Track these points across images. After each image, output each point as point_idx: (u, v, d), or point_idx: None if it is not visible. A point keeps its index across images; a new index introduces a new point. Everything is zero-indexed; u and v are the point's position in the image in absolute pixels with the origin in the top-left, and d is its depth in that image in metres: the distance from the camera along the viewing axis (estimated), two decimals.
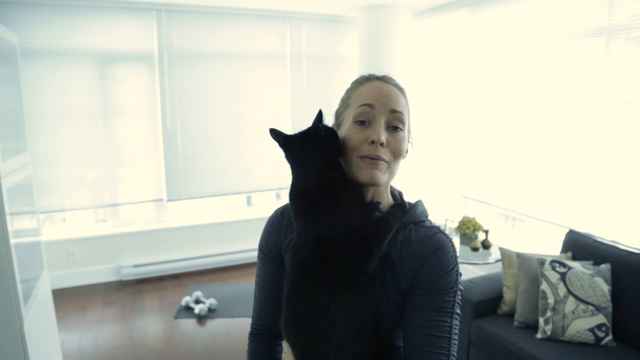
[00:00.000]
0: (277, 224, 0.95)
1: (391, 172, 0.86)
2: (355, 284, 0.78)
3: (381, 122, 0.83)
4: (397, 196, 0.96)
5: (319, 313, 0.76)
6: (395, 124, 0.85)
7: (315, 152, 0.82)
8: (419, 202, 0.93)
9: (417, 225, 0.88)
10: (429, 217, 0.92)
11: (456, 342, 0.83)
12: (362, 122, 0.84)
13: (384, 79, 0.89)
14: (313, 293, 0.78)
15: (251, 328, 1.02)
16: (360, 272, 0.78)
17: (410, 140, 0.93)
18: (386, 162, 0.84)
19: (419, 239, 0.84)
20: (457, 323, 0.83)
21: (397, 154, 0.85)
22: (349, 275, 0.78)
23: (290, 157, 0.86)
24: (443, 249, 0.83)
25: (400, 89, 0.90)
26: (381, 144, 0.82)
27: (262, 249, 0.98)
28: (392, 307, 0.85)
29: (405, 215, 0.88)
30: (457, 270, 0.83)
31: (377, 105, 0.84)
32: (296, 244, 0.84)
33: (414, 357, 0.81)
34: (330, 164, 0.83)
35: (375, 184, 0.84)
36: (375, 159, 0.82)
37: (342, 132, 0.88)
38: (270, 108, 4.36)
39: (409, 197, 0.98)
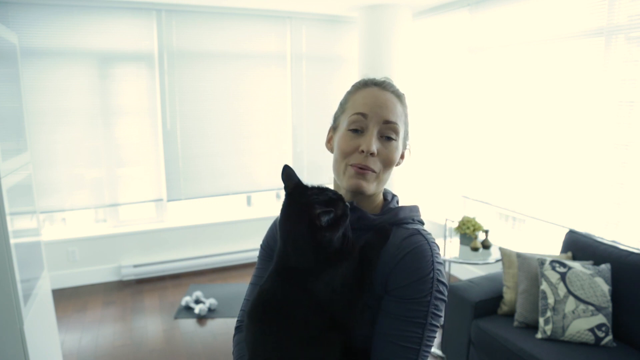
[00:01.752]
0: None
1: (380, 181, 0.86)
2: (316, 339, 0.74)
3: (374, 132, 0.83)
4: (388, 200, 0.93)
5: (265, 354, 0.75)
6: (388, 134, 0.84)
7: (303, 232, 0.74)
8: (407, 207, 0.90)
9: (397, 227, 0.84)
10: (423, 225, 0.90)
11: (427, 354, 0.77)
12: (356, 130, 0.84)
13: (382, 86, 0.88)
14: (260, 336, 0.76)
15: (237, 324, 1.00)
16: (329, 328, 0.74)
17: (407, 146, 0.92)
18: (375, 172, 0.83)
19: (394, 240, 0.81)
20: (432, 335, 0.76)
21: (387, 163, 0.85)
22: (311, 330, 0.73)
23: (284, 211, 0.80)
24: (418, 251, 0.78)
25: (399, 96, 0.88)
26: (371, 154, 0.82)
27: (263, 247, 0.99)
28: (372, 315, 0.82)
29: (386, 217, 0.86)
30: (433, 278, 0.76)
31: (370, 115, 0.83)
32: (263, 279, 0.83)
33: None
34: (317, 246, 0.75)
35: (361, 193, 0.84)
36: (363, 169, 0.82)
37: (336, 137, 0.89)
38: (270, 108, 4.36)
39: (408, 201, 0.97)
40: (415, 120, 4.42)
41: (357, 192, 0.84)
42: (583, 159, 2.82)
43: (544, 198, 3.11)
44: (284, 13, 4.22)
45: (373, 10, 3.91)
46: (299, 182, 0.81)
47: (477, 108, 3.67)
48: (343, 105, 0.91)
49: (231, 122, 4.21)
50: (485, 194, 3.67)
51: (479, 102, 3.64)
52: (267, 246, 0.98)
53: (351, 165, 0.83)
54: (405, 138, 0.91)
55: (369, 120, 0.83)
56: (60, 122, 3.63)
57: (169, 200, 4.12)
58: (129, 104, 3.86)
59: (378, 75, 0.92)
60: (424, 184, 4.46)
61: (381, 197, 0.93)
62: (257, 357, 0.77)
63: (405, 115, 0.89)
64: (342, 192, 0.88)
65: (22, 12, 3.39)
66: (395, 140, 0.85)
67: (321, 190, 0.79)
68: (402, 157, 0.92)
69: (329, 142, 0.94)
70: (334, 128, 0.93)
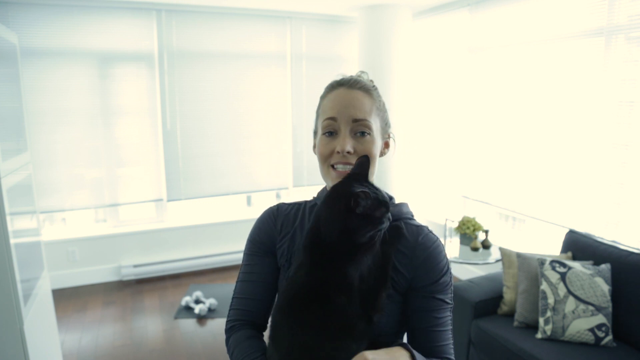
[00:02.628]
0: (273, 218, 0.97)
1: None
2: (352, 326, 0.76)
3: (346, 132, 0.87)
4: None
5: (303, 344, 0.75)
6: (360, 130, 0.87)
7: (344, 212, 0.78)
8: (404, 204, 0.95)
9: (406, 223, 0.90)
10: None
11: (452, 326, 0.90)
12: (330, 133, 0.89)
13: (349, 84, 0.91)
14: (297, 329, 0.76)
15: (230, 324, 0.95)
16: (359, 316, 0.77)
17: (390, 136, 0.95)
18: None
19: (411, 237, 0.88)
20: (452, 311, 0.90)
21: None
22: (348, 318, 0.76)
23: (330, 189, 0.84)
24: (437, 249, 0.88)
25: (367, 90, 0.90)
26: (348, 152, 0.86)
27: (255, 243, 0.97)
28: (394, 308, 0.87)
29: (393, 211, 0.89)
30: (448, 268, 0.89)
31: (339, 117, 0.87)
32: (291, 270, 0.83)
33: (425, 354, 0.85)
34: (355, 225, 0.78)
35: None
36: (344, 170, 0.86)
37: (316, 142, 0.93)
38: (270, 108, 4.36)
39: (408, 201, 0.98)
40: (416, 120, 4.42)
41: None
42: (583, 159, 2.82)
43: (544, 198, 3.11)
44: (284, 13, 4.22)
45: (373, 10, 3.91)
46: (361, 172, 0.84)
47: (477, 108, 3.67)
48: (317, 111, 0.95)
49: (231, 122, 4.21)
50: (485, 194, 3.67)
51: (479, 102, 3.64)
52: (260, 241, 0.96)
53: (332, 166, 0.88)
54: (386, 127, 0.93)
55: (339, 122, 0.87)
56: (60, 122, 3.63)
57: (169, 200, 4.12)
58: (129, 104, 3.86)
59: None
60: (424, 184, 4.46)
61: None
62: (294, 350, 0.75)
63: (378, 108, 0.91)
64: None
65: (22, 12, 3.39)
66: (369, 134, 0.88)
67: (375, 188, 0.82)
68: (386, 146, 0.95)
69: (315, 148, 0.96)
70: (314, 133, 0.96)
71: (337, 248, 0.77)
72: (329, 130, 0.89)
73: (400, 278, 0.86)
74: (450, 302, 0.88)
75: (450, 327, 0.88)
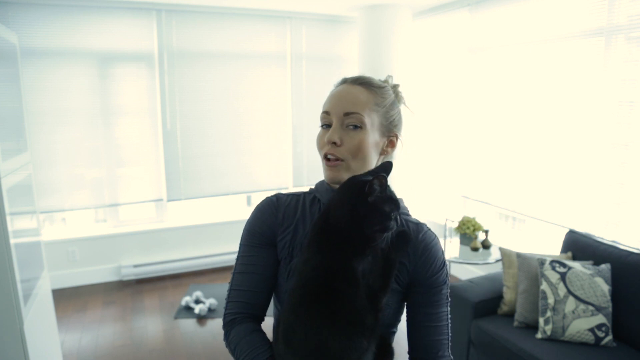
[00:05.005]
0: (274, 209, 0.94)
1: (351, 169, 0.90)
2: (361, 321, 0.76)
3: (336, 125, 0.90)
4: None
5: (318, 344, 0.74)
6: (351, 122, 0.89)
7: (359, 201, 0.79)
8: (400, 199, 0.95)
9: (404, 219, 0.94)
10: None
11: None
12: (327, 126, 0.92)
13: (351, 81, 0.94)
14: (315, 322, 0.75)
15: (230, 317, 0.92)
16: (369, 309, 0.78)
17: (396, 135, 0.95)
18: (342, 160, 0.89)
19: (413, 235, 0.91)
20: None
21: (355, 151, 0.89)
22: (356, 312, 0.76)
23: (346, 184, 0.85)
24: (436, 244, 0.92)
25: (369, 86, 0.92)
26: (334, 143, 0.89)
27: (254, 234, 0.94)
28: (393, 301, 0.90)
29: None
30: (445, 263, 0.93)
31: (332, 111, 0.91)
32: (298, 264, 0.82)
33: (420, 347, 0.92)
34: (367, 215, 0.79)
35: (337, 183, 0.90)
36: (332, 161, 0.90)
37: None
38: (270, 108, 4.36)
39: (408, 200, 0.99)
40: (416, 120, 4.42)
41: (334, 183, 0.91)
42: (583, 159, 2.82)
43: (544, 198, 3.11)
44: (284, 13, 4.22)
45: (373, 10, 3.91)
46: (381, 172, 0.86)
47: (477, 108, 3.67)
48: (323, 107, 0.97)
49: (231, 122, 4.21)
50: (485, 194, 3.67)
51: (479, 102, 3.64)
52: (260, 232, 0.93)
53: (323, 157, 0.92)
54: (389, 126, 0.94)
55: (332, 116, 0.91)
56: (60, 122, 3.63)
57: (169, 200, 4.12)
58: (129, 104, 3.86)
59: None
60: (424, 184, 4.46)
61: None
62: (312, 352, 0.74)
63: (378, 104, 0.91)
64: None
65: (22, 12, 3.39)
66: (361, 128, 0.89)
67: (389, 187, 0.84)
68: (391, 145, 0.95)
69: None
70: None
71: (345, 236, 0.78)
72: (324, 123, 0.93)
73: (403, 271, 0.90)
74: (447, 298, 0.92)
75: (448, 322, 0.92)
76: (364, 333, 0.76)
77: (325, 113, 0.92)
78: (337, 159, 0.89)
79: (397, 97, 0.98)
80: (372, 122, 0.90)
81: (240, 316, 0.92)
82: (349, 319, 0.75)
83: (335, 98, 0.92)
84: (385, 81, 0.99)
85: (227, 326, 0.92)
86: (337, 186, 0.89)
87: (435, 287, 0.90)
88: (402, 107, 1.00)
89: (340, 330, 0.74)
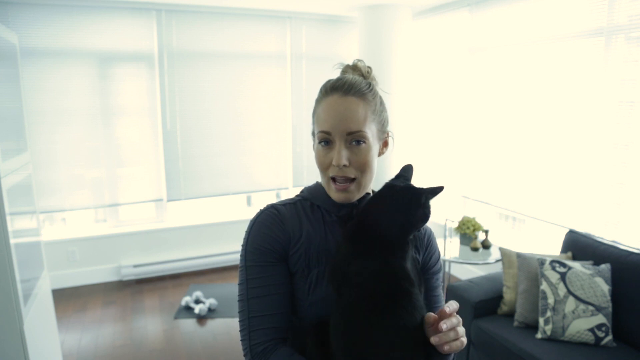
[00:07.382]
0: (280, 222, 0.90)
1: (362, 185, 0.89)
2: (415, 301, 0.80)
3: (340, 145, 0.86)
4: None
5: (397, 335, 0.75)
6: (355, 139, 0.86)
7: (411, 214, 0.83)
8: None
9: None
10: None
11: None
12: (327, 142, 0.88)
13: (343, 90, 0.87)
14: (397, 325, 0.76)
15: (260, 347, 0.86)
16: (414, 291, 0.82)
17: (388, 134, 0.95)
18: (354, 179, 0.88)
19: None
20: None
21: (363, 167, 0.88)
22: (423, 308, 0.81)
23: (385, 187, 0.88)
24: (434, 235, 1.02)
25: (362, 95, 0.87)
26: (344, 166, 0.86)
27: (264, 252, 0.88)
28: None
29: None
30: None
31: (333, 131, 0.86)
32: (347, 277, 0.81)
33: None
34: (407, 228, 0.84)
35: (349, 202, 0.91)
36: (342, 184, 0.88)
37: (314, 146, 0.93)
38: (270, 108, 4.36)
39: None
40: (416, 120, 4.42)
41: (346, 203, 0.91)
42: (583, 159, 2.82)
43: (544, 198, 3.11)
44: (284, 13, 4.22)
45: (373, 10, 3.91)
46: (405, 175, 0.91)
47: (477, 108, 3.67)
48: (313, 115, 0.93)
49: (231, 122, 4.21)
50: (485, 194, 3.67)
51: (479, 102, 3.64)
52: (271, 250, 0.88)
53: (331, 178, 0.89)
54: (383, 129, 0.92)
55: (334, 136, 0.86)
56: (60, 122, 3.63)
57: (169, 200, 4.12)
58: (129, 104, 3.86)
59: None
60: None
61: (370, 192, 0.98)
62: (394, 334, 0.75)
63: (373, 112, 0.89)
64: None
65: (22, 12, 3.39)
66: (364, 142, 0.87)
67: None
68: (385, 145, 0.95)
69: (314, 149, 0.96)
70: (313, 134, 0.95)
71: (390, 240, 0.81)
72: (324, 140, 0.88)
73: (418, 265, 0.95)
74: (442, 280, 1.04)
75: (444, 301, 1.00)
76: (416, 308, 0.80)
77: (325, 133, 0.87)
78: (346, 180, 0.87)
79: (376, 85, 0.95)
80: (372, 133, 0.88)
81: (271, 344, 0.86)
82: (422, 314, 0.80)
83: (333, 117, 0.86)
84: (362, 74, 0.94)
85: (259, 357, 0.85)
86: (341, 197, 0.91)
87: (437, 272, 0.99)
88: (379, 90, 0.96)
89: (419, 325, 0.79)
